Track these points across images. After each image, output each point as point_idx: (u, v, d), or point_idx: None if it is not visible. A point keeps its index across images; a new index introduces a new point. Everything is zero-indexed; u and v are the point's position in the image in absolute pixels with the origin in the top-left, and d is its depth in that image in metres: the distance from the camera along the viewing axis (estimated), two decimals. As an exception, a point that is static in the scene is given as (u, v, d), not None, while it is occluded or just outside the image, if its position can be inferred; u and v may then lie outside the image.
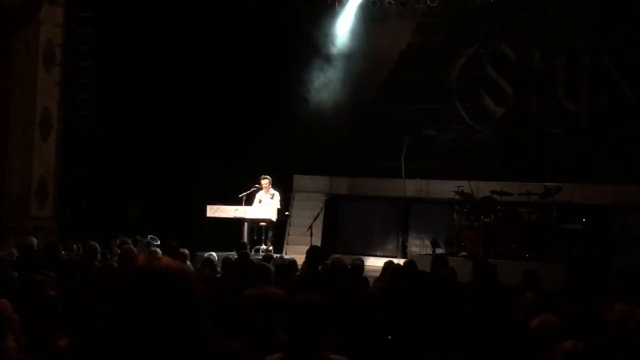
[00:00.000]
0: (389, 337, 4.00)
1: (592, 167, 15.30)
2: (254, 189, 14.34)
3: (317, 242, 15.01)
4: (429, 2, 16.71)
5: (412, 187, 16.37)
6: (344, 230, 17.27)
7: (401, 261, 12.39)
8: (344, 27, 17.38)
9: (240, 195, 14.19)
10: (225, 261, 8.97)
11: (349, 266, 8.79)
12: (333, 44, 17.15)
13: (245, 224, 14.18)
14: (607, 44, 15.67)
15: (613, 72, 15.60)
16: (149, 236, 14.20)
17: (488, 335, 4.12)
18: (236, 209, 14.10)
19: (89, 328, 1.51)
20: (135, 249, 10.63)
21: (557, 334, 5.15)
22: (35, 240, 10.65)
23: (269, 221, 14.25)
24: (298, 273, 8.68)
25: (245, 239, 13.92)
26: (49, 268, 7.28)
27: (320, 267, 8.42)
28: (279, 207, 14.37)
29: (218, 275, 8.34)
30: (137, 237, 13.76)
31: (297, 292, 4.61)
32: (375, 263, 13.58)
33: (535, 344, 5.10)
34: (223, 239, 14.43)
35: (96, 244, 9.74)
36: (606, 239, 14.45)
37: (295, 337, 3.87)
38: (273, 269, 7.25)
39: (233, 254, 10.85)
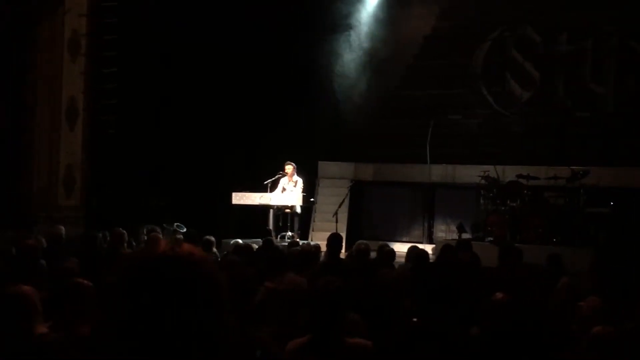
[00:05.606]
0: (414, 319, 3.99)
1: (620, 150, 15.14)
2: (279, 175, 14.34)
3: (343, 228, 15.00)
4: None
5: (437, 172, 16.29)
6: (370, 216, 17.24)
7: (427, 247, 12.40)
8: (368, 13, 17.31)
9: (266, 182, 14.19)
10: (247, 248, 8.98)
11: (376, 252, 8.78)
12: (357, 29, 17.10)
13: (271, 211, 14.20)
14: (635, 26, 15.47)
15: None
16: (175, 224, 14.29)
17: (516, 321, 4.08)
18: (261, 196, 14.12)
19: (108, 314, 1.51)
20: (162, 237, 10.70)
21: (599, 317, 5.07)
22: (63, 228, 10.76)
23: (294, 208, 14.27)
24: (323, 259, 8.68)
25: (271, 226, 13.96)
26: (77, 256, 7.34)
27: (347, 253, 8.42)
28: (302, 193, 14.37)
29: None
30: (164, 225, 13.85)
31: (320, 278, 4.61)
32: (401, 249, 13.49)
33: (578, 327, 5.09)
34: (249, 227, 14.47)
35: (124, 231, 9.82)
36: (635, 222, 14.28)
37: (318, 321, 3.88)
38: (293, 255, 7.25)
39: (259, 242, 10.88)
